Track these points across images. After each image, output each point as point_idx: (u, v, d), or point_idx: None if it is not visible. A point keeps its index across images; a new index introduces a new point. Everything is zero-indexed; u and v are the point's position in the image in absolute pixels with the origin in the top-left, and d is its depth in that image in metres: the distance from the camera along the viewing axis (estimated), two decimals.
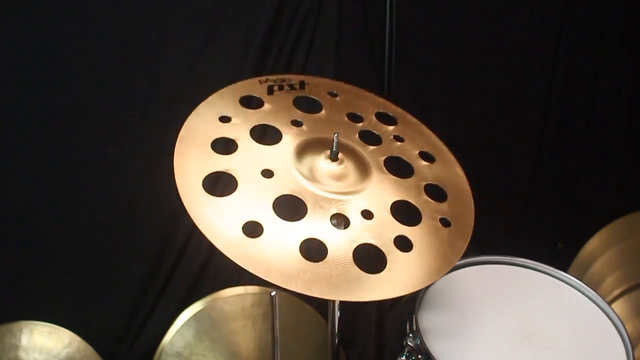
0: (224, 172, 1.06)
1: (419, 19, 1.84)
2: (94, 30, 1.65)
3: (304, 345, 1.82)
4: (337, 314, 1.27)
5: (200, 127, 1.12)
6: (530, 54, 2.01)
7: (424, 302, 1.22)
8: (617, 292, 1.86)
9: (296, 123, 1.20)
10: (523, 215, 2.19)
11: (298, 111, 1.23)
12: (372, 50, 1.82)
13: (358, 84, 1.35)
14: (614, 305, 1.59)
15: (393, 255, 1.03)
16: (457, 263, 1.29)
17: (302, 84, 1.29)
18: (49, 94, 1.68)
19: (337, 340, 1.32)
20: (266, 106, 1.22)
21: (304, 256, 0.98)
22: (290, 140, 1.16)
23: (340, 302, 1.26)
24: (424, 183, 1.17)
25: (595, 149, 2.15)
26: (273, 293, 1.15)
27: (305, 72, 1.81)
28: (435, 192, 1.17)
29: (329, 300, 1.25)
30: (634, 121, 2.13)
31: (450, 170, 1.23)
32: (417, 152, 1.24)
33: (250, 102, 1.21)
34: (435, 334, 1.16)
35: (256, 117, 1.18)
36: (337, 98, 1.30)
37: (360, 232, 1.04)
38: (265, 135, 1.16)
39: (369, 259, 1.02)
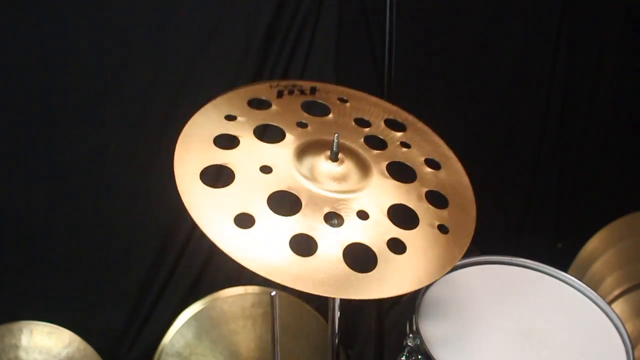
0: (223, 166, 1.06)
1: (419, 19, 1.84)
2: (94, 30, 1.65)
3: (304, 345, 1.82)
4: (337, 314, 1.27)
5: (205, 123, 1.13)
6: (530, 54, 2.01)
7: (424, 302, 1.22)
8: (617, 292, 1.86)
9: (301, 125, 1.20)
10: (523, 215, 2.19)
11: (305, 114, 1.23)
12: (372, 50, 1.82)
13: (358, 83, 1.35)
14: (614, 305, 1.59)
15: (384, 256, 1.01)
16: (457, 263, 1.29)
17: (313, 90, 1.28)
18: (49, 94, 1.68)
19: (337, 340, 1.32)
20: (273, 108, 1.22)
21: (292, 250, 0.97)
22: (292, 140, 1.15)
23: (341, 301, 1.26)
24: (426, 189, 1.16)
25: (595, 149, 2.15)
26: (273, 293, 1.14)
27: (305, 72, 1.81)
28: (437, 199, 1.15)
29: (329, 299, 1.25)
30: (633, 121, 2.13)
31: (455, 178, 1.21)
32: (423, 159, 1.22)
33: (258, 104, 1.21)
34: (435, 334, 1.16)
35: (262, 117, 1.18)
36: (347, 104, 1.29)
37: (353, 231, 1.03)
38: (269, 134, 1.16)
39: (361, 259, 1.01)
